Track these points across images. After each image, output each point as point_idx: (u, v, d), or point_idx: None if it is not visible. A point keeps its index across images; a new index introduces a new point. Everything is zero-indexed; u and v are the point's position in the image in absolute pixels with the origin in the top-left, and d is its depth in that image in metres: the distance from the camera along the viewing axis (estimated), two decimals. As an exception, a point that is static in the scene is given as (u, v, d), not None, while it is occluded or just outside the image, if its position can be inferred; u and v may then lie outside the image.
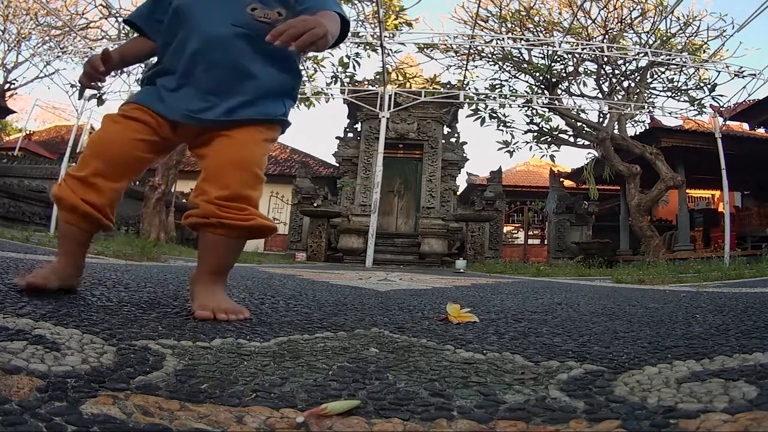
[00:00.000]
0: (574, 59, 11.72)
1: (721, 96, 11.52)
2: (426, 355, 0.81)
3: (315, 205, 13.08)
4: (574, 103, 12.30)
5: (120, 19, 10.68)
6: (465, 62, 11.76)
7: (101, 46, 11.34)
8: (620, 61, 11.54)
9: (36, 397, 0.48)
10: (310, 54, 12.45)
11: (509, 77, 12.75)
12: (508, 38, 11.45)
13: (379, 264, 9.54)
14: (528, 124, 12.79)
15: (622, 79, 11.96)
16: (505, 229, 16.88)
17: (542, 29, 11.98)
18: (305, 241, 12.10)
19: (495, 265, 8.90)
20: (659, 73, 12.08)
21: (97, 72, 1.15)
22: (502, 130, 12.94)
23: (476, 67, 12.89)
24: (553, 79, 11.94)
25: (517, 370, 0.72)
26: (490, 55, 12.43)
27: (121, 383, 0.56)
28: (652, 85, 12.27)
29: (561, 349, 0.89)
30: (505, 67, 12.60)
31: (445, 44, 11.72)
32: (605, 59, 11.29)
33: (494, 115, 12.81)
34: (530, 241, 17.34)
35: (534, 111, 12.39)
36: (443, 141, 14.59)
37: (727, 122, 11.91)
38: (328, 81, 12.90)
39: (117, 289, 1.40)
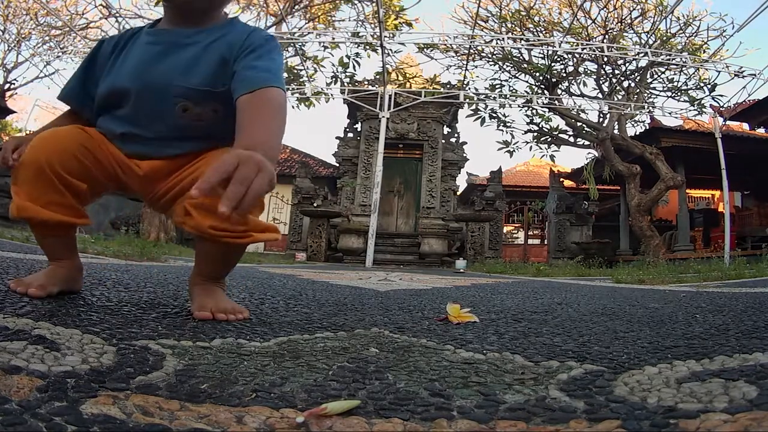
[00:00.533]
0: (574, 59, 11.72)
1: (721, 96, 11.54)
2: (426, 355, 0.81)
3: (315, 205, 13.07)
4: (574, 103, 12.31)
5: (120, 20, 10.69)
6: (465, 62, 11.77)
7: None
8: (620, 61, 11.54)
9: (36, 397, 0.48)
10: (310, 54, 12.53)
11: (509, 77, 12.76)
12: (508, 38, 11.45)
13: (379, 264, 9.54)
14: (528, 124, 12.80)
15: (622, 79, 11.96)
16: (505, 229, 16.87)
17: (542, 29, 11.98)
18: (305, 241, 12.09)
19: (495, 265, 8.89)
20: (659, 73, 12.08)
21: (6, 163, 1.04)
22: (502, 130, 12.96)
23: (476, 67, 12.91)
24: (553, 79, 11.94)
25: (517, 370, 0.72)
26: (490, 55, 12.43)
27: (121, 383, 0.56)
28: (652, 85, 12.28)
29: (561, 349, 0.89)
30: (505, 67, 12.60)
31: (445, 44, 11.72)
32: (605, 59, 11.29)
33: (494, 115, 12.82)
34: (530, 241, 17.33)
35: (534, 111, 12.40)
36: (443, 141, 14.59)
37: (727, 122, 11.91)
38: (328, 81, 12.93)
39: (117, 289, 1.40)
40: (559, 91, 12.06)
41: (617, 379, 0.66)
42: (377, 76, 13.07)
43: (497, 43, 11.70)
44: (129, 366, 0.63)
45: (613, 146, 10.74)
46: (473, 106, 12.71)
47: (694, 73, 11.68)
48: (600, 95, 12.00)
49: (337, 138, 14.84)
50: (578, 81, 12.39)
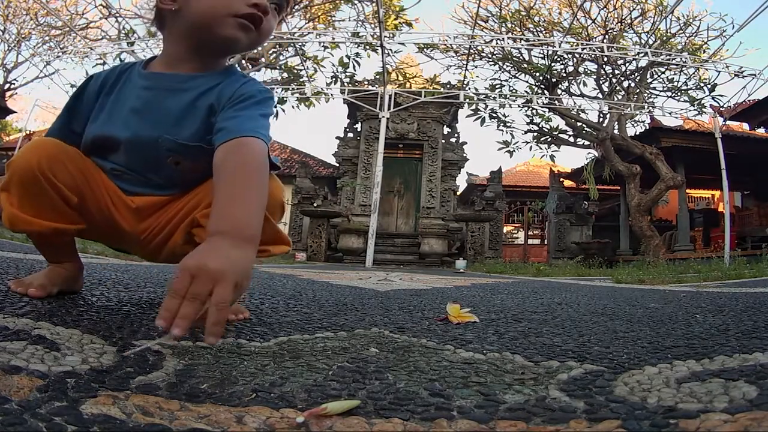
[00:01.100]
0: (574, 59, 11.73)
1: (721, 96, 11.55)
2: (426, 355, 0.81)
3: (315, 205, 13.08)
4: (574, 103, 12.32)
5: (120, 20, 10.69)
6: (465, 62, 11.77)
7: (101, 46, 11.35)
8: (620, 61, 11.54)
9: (36, 397, 0.48)
10: (310, 54, 12.53)
11: (509, 77, 12.77)
12: (508, 38, 11.46)
13: (379, 264, 9.54)
14: (528, 124, 12.81)
15: (622, 79, 11.96)
16: (505, 229, 16.88)
17: (542, 29, 11.98)
18: (305, 241, 12.09)
19: (495, 265, 8.90)
20: (659, 73, 12.08)
21: None
22: (502, 130, 12.98)
23: (476, 67, 12.93)
24: (553, 79, 11.94)
25: (517, 370, 0.72)
26: (490, 55, 12.44)
27: (121, 383, 0.56)
28: (652, 85, 12.28)
29: (561, 349, 0.89)
30: (505, 67, 12.61)
31: (445, 44, 11.73)
32: (605, 59, 11.29)
33: (494, 115, 12.83)
34: (530, 241, 17.34)
35: (534, 111, 12.41)
36: (443, 141, 14.59)
37: (727, 122, 11.91)
38: (328, 81, 12.94)
39: (117, 289, 1.40)
40: (559, 91, 12.07)
41: (617, 379, 0.66)
42: (377, 76, 13.07)
43: (497, 43, 11.71)
44: (129, 366, 0.63)
45: (613, 146, 10.74)
46: (473, 106, 12.72)
47: (694, 73, 11.70)
48: (600, 95, 12.01)
49: (337, 138, 14.84)
50: (578, 81, 12.40)
